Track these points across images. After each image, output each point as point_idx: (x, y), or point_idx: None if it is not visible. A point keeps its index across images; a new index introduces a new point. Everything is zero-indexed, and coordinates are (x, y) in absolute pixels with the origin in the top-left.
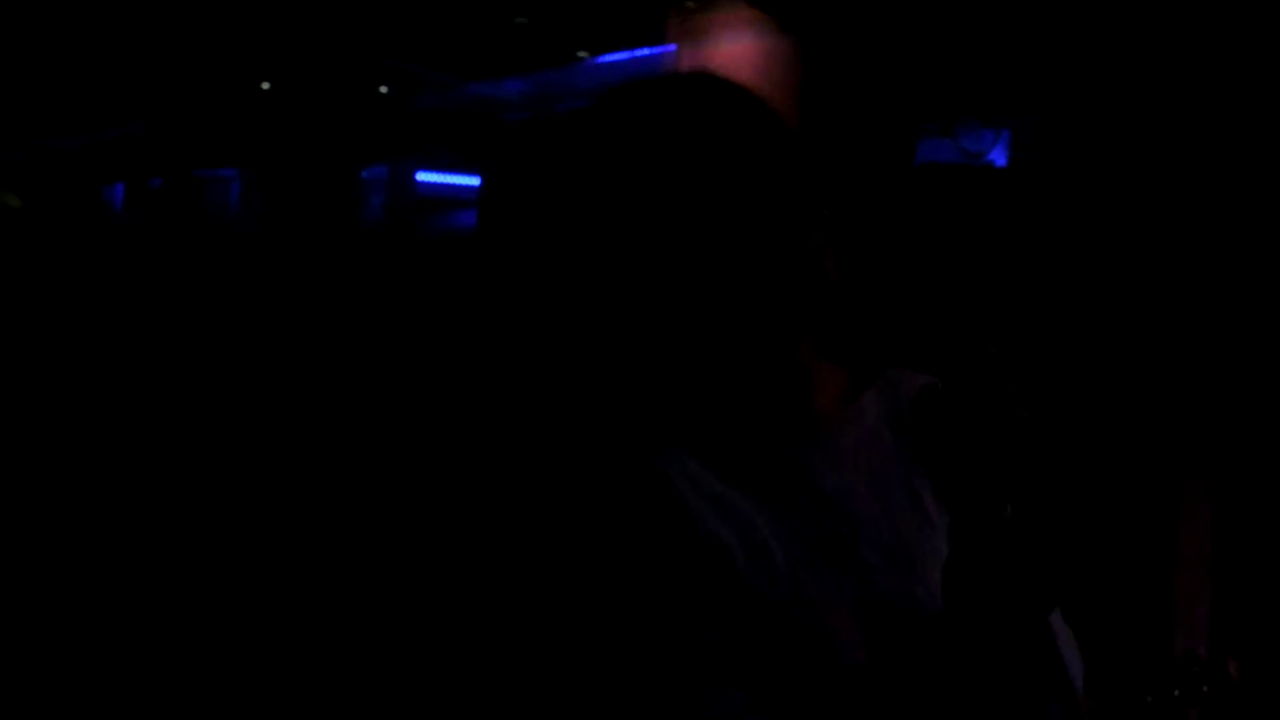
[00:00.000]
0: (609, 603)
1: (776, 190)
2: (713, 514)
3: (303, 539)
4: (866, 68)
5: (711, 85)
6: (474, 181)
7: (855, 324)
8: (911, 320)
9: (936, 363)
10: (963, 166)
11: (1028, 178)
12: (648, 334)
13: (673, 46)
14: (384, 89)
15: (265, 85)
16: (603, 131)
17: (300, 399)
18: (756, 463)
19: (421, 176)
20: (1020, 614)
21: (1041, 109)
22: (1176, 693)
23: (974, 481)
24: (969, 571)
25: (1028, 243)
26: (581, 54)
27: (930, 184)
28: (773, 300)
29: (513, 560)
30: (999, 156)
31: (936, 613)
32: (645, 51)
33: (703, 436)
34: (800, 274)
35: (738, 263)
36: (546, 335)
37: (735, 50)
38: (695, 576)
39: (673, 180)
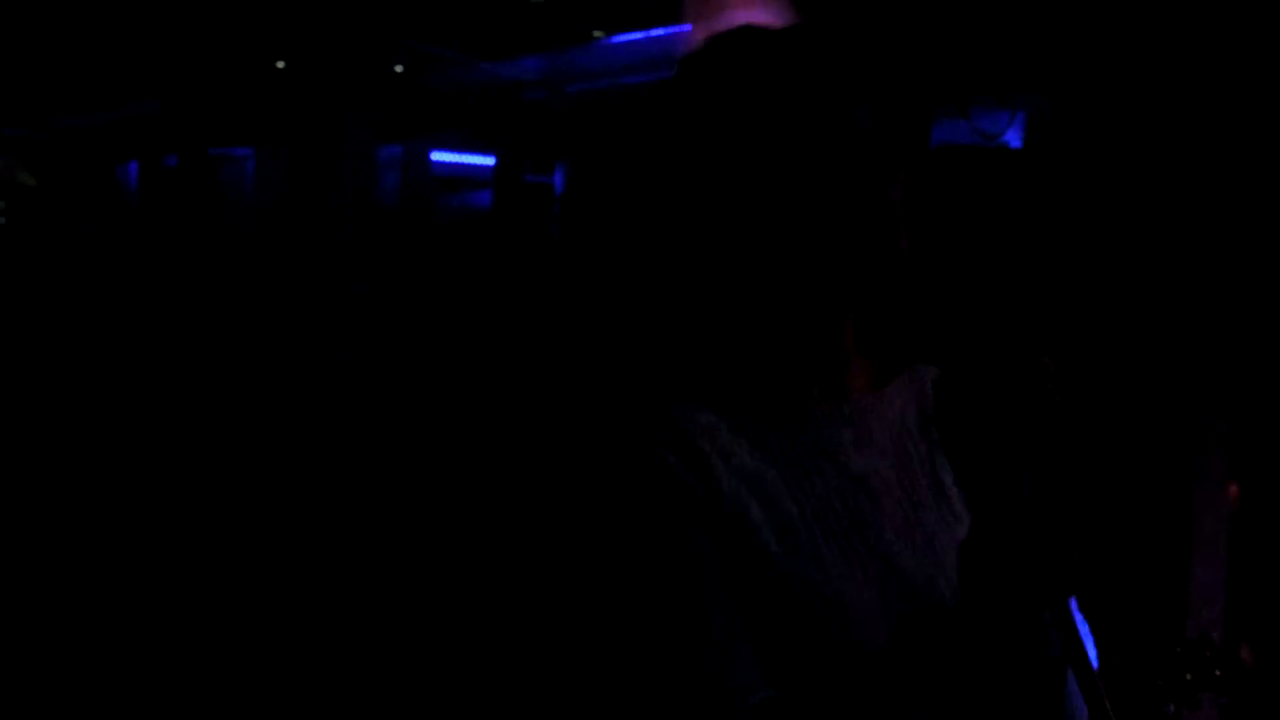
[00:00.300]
0: (633, 569)
1: (860, 151)
2: (741, 486)
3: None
4: (882, 48)
5: (803, 44)
6: (488, 161)
7: (891, 311)
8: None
9: (957, 343)
10: (979, 148)
11: (1044, 158)
12: (718, 284)
13: (688, 25)
14: (399, 68)
15: (280, 64)
16: (693, 87)
17: (319, 372)
18: (788, 435)
19: (436, 156)
20: (1038, 594)
21: (1056, 89)
22: (1189, 676)
23: (995, 459)
24: (986, 549)
25: (1044, 224)
26: (597, 33)
27: (946, 166)
28: (846, 257)
29: (538, 524)
30: (1014, 137)
31: (955, 593)
32: (661, 31)
33: (739, 400)
34: (874, 241)
35: (815, 219)
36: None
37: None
38: (718, 545)
39: (758, 136)
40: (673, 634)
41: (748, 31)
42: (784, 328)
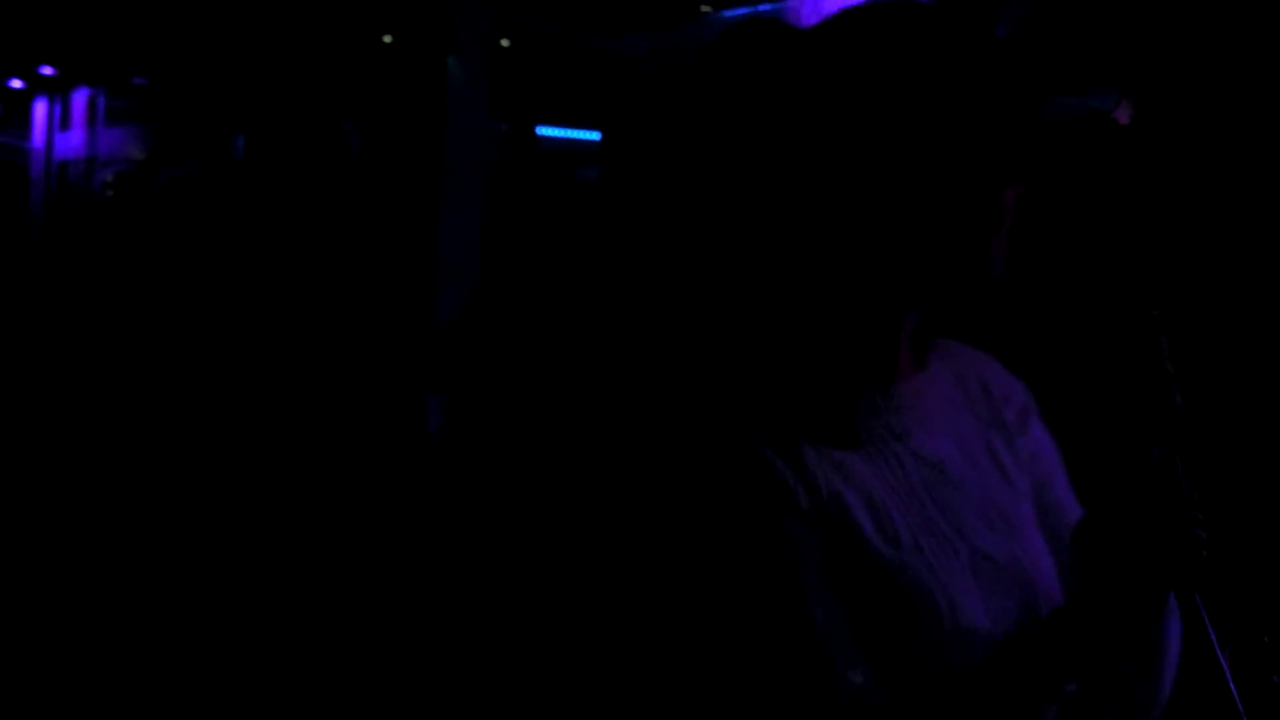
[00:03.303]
0: (732, 562)
1: (962, 152)
2: (836, 476)
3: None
4: (995, 22)
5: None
6: (594, 136)
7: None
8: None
9: (1065, 314)
10: (1092, 121)
11: (1154, 133)
12: (800, 272)
13: (797, 1)
14: (506, 43)
15: (387, 39)
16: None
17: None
18: (863, 429)
19: (542, 131)
20: (1164, 581)
21: (1166, 66)
22: None
23: (1116, 434)
24: (1111, 534)
25: (1159, 200)
26: (705, 8)
27: (1060, 141)
28: (924, 261)
29: (627, 527)
30: (1123, 114)
31: (1039, 571)
32: (768, 6)
33: (809, 399)
34: (962, 246)
35: (897, 216)
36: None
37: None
38: (817, 542)
39: (861, 111)
40: (776, 625)
41: (845, 16)
42: (850, 322)
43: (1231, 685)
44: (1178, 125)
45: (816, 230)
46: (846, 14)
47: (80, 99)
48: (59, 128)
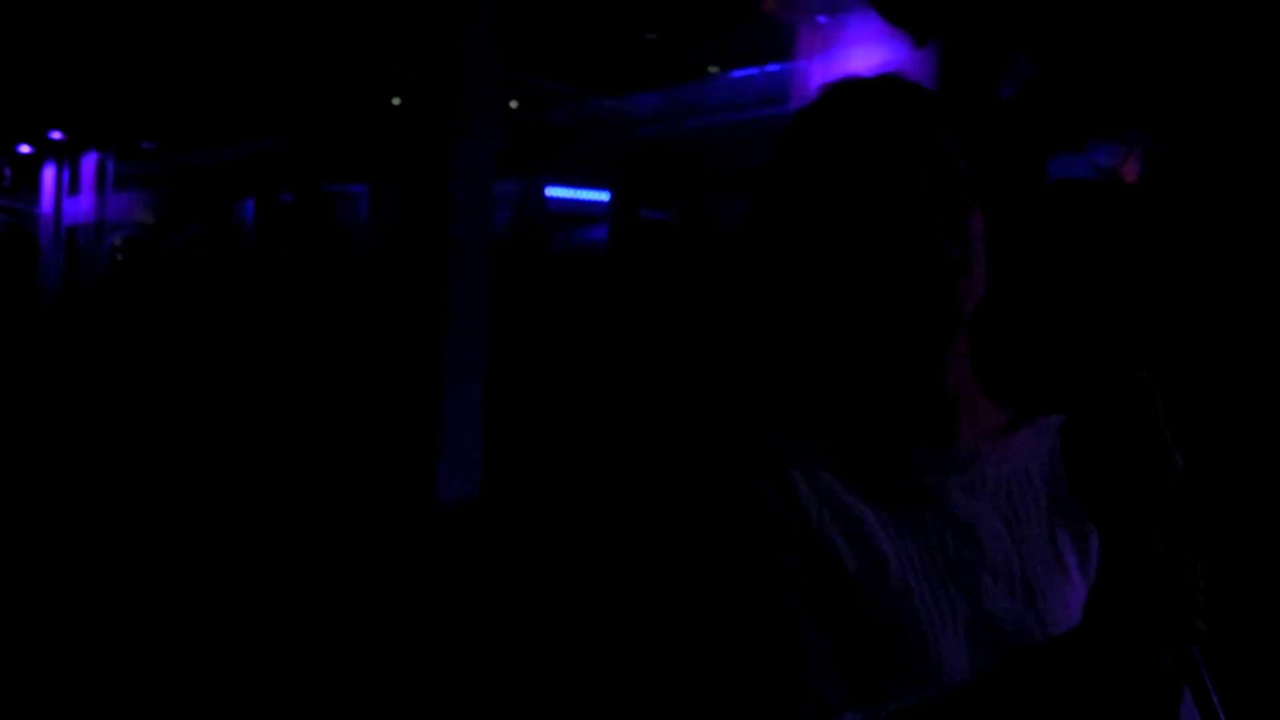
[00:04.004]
0: (718, 588)
1: (939, 197)
2: (829, 516)
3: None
4: (999, 83)
5: (899, 94)
6: (604, 197)
7: (1007, 354)
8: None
9: (1080, 386)
10: (1097, 183)
11: (1161, 193)
12: (811, 323)
13: (805, 61)
14: (514, 104)
15: (396, 101)
16: (796, 137)
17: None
18: (887, 476)
19: (551, 191)
20: (1167, 639)
21: (1176, 122)
22: None
23: (1125, 506)
24: (1118, 595)
25: (1163, 260)
26: (713, 69)
27: (1065, 201)
28: (922, 301)
29: (635, 550)
30: (1131, 171)
31: (1064, 635)
32: (776, 66)
33: (839, 434)
34: (952, 281)
35: (897, 260)
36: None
37: (866, 65)
38: (806, 569)
39: (849, 179)
40: (758, 651)
41: (857, 83)
42: (875, 363)
43: None
44: (1183, 182)
45: (818, 280)
46: (835, 87)
47: (89, 164)
48: (68, 193)
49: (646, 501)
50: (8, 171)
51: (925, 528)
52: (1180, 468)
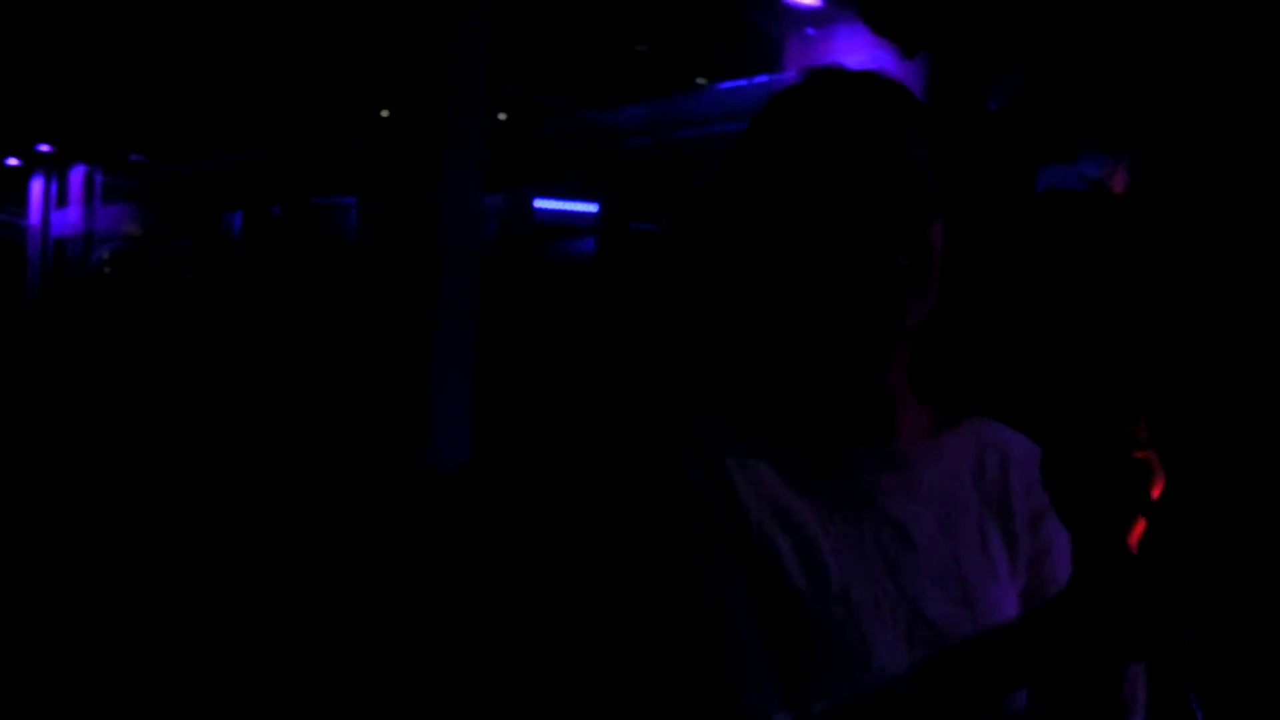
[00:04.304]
0: (654, 582)
1: (899, 190)
2: (769, 515)
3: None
4: (988, 95)
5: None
6: (591, 208)
7: (954, 359)
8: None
9: (1061, 394)
10: (1085, 194)
11: (1148, 204)
12: (760, 316)
13: (792, 73)
14: (503, 116)
15: (385, 113)
16: (755, 127)
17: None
18: (827, 474)
19: (540, 203)
20: (1141, 646)
21: (1164, 134)
22: None
23: (1099, 516)
24: (1089, 603)
25: (1148, 269)
26: (701, 80)
27: (1053, 211)
28: (867, 310)
29: (587, 538)
30: (1119, 182)
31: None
32: (764, 78)
33: (781, 430)
34: (900, 294)
35: (850, 252)
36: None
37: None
38: (744, 567)
39: (807, 169)
40: (691, 648)
41: (820, 75)
42: (819, 364)
43: None
44: (1171, 194)
45: (770, 276)
46: (814, 76)
47: (77, 176)
48: (55, 205)
49: (593, 493)
50: None
51: (864, 528)
52: (1161, 477)
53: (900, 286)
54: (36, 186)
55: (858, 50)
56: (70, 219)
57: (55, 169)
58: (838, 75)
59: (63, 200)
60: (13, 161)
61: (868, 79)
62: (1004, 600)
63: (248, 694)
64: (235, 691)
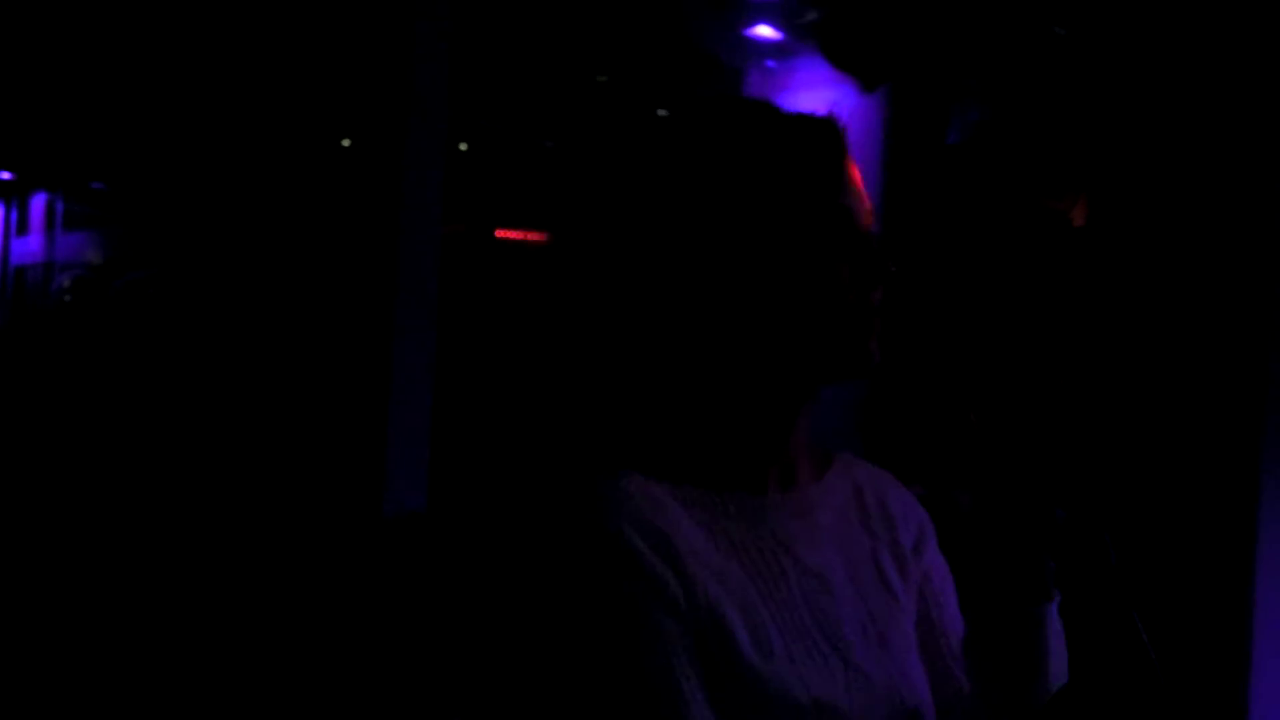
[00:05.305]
0: (600, 654)
1: (829, 231)
2: (711, 580)
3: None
4: (947, 129)
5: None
6: (548, 239)
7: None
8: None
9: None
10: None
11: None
12: (681, 353)
13: None
14: (464, 146)
15: (346, 142)
16: (658, 143)
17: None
18: (747, 526)
19: (501, 233)
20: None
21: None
22: None
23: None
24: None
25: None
26: (661, 112)
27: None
28: (810, 341)
29: (516, 609)
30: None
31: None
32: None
33: (698, 481)
34: (844, 325)
35: (782, 291)
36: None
37: (815, 109)
38: (690, 636)
39: (721, 197)
40: (636, 709)
41: (739, 104)
42: (742, 416)
43: None
44: (1130, 227)
45: (694, 321)
46: (700, 105)
47: (38, 204)
48: (15, 233)
49: (523, 555)
50: None
51: (789, 582)
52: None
53: (875, 325)
54: None
55: (818, 84)
56: (31, 247)
57: (15, 196)
58: (772, 111)
59: (23, 228)
60: None
61: (808, 125)
62: (907, 629)
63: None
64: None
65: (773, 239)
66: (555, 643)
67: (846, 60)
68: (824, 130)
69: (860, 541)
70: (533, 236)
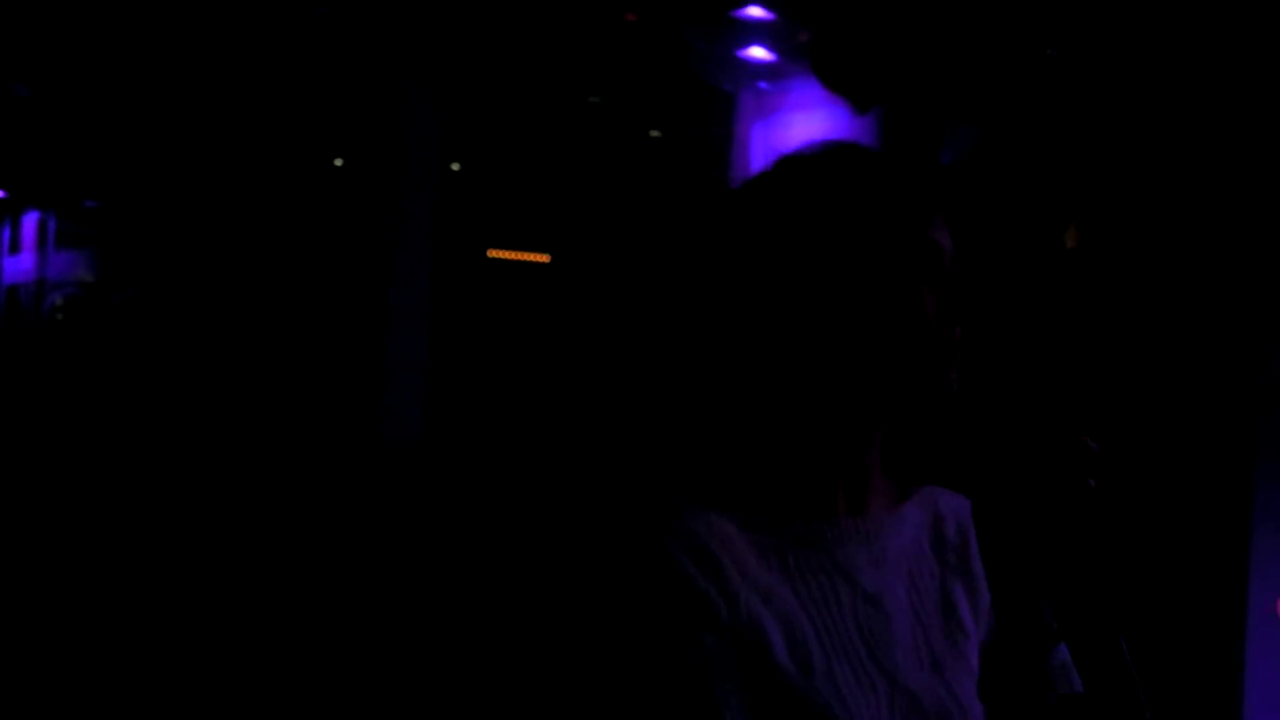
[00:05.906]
0: (647, 675)
1: (920, 264)
2: (756, 599)
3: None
4: (939, 150)
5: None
6: (545, 259)
7: (924, 436)
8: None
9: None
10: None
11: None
12: (759, 391)
13: (746, 126)
14: (455, 166)
15: (338, 162)
16: (746, 206)
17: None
18: (804, 551)
19: (493, 254)
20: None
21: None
22: None
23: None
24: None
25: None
26: (654, 133)
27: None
28: (893, 371)
29: (564, 625)
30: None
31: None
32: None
33: (757, 509)
34: (922, 374)
35: (857, 342)
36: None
37: (807, 132)
38: (735, 656)
39: (817, 243)
40: None
41: (812, 158)
42: (815, 445)
43: None
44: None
45: (772, 351)
46: (787, 160)
47: (30, 222)
48: (8, 251)
49: (574, 576)
50: None
51: (841, 604)
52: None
53: (955, 359)
54: None
55: (810, 106)
56: (23, 265)
57: (8, 215)
58: (859, 150)
59: (16, 246)
60: None
61: (889, 159)
62: (969, 656)
63: (204, 672)
64: (193, 670)
65: (864, 270)
66: (599, 659)
67: (839, 82)
68: (916, 167)
69: (929, 568)
70: (530, 257)
